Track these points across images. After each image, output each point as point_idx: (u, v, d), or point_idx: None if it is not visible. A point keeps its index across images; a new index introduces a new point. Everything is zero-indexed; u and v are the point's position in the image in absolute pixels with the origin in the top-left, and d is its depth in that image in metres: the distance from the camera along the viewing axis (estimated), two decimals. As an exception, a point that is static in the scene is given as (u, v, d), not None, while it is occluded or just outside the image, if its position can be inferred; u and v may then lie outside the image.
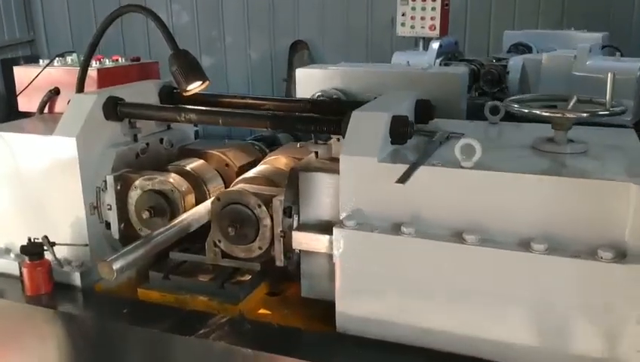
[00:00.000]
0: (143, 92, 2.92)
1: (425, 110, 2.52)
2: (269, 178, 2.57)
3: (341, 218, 2.11)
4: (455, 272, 1.96)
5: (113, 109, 2.64)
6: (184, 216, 2.47)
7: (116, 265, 2.06)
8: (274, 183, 2.55)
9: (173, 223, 2.40)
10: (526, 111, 2.21)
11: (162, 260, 2.59)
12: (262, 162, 2.81)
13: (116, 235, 2.64)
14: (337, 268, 2.12)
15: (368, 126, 2.15)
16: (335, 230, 2.08)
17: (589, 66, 4.77)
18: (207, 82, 2.70)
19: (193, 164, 2.76)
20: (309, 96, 3.92)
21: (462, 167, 1.95)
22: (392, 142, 2.18)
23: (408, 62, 4.69)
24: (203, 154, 2.92)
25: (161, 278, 2.56)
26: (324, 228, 2.21)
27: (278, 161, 2.77)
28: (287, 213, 2.29)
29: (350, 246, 2.07)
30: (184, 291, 2.49)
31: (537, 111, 2.16)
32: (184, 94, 2.67)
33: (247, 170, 2.81)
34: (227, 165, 2.90)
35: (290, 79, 8.60)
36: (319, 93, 3.77)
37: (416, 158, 2.06)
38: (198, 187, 2.69)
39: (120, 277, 2.12)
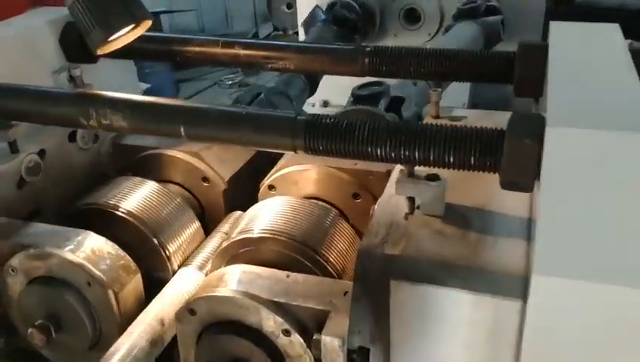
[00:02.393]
0: (23, 42, 1.46)
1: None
2: (298, 237, 1.19)
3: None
4: None
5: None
6: (123, 343, 1.11)
7: None
8: (308, 250, 1.17)
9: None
10: None
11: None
12: (272, 178, 1.41)
13: (-8, 355, 1.30)
14: None
15: (607, 179, 0.75)
16: None
17: None
18: (147, 22, 1.24)
19: (133, 200, 1.35)
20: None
21: None
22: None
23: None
24: (155, 161, 1.51)
25: None
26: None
27: (306, 178, 1.38)
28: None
29: None
30: None
31: None
32: (97, 53, 1.21)
33: (246, 185, 1.45)
34: (206, 179, 1.50)
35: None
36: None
37: None
38: (149, 254, 1.31)
39: None
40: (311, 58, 1.35)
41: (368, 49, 1.29)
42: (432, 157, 0.90)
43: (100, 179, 1.49)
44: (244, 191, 1.50)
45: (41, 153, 1.41)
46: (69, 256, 1.16)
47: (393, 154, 0.92)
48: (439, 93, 1.20)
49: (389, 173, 1.22)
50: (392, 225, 1.03)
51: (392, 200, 1.09)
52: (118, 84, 1.73)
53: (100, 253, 1.20)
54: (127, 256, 1.23)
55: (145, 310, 1.19)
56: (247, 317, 1.04)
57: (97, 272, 1.16)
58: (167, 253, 1.32)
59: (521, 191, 0.86)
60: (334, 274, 1.17)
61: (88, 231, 1.22)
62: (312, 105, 3.25)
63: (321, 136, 0.96)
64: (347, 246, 1.24)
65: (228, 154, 1.53)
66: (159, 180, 1.52)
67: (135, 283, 1.22)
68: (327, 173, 1.37)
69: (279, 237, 1.18)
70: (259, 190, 1.46)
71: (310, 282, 1.07)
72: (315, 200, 1.37)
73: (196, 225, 1.42)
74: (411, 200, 1.04)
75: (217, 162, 1.50)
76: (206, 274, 1.28)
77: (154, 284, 1.29)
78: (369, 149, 0.93)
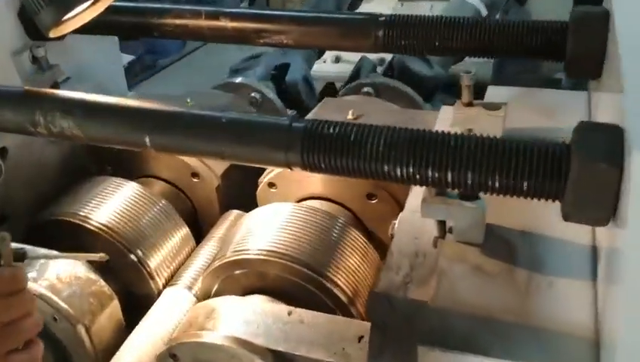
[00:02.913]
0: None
1: None
2: (301, 260, 0.99)
3: None
4: None
5: None
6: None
7: None
8: (313, 274, 0.97)
9: None
10: None
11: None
12: (272, 174, 1.20)
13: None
14: None
15: None
16: None
17: None
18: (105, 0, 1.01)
19: (108, 208, 1.15)
20: None
21: None
22: None
23: None
24: (139, 154, 1.30)
25: None
26: None
27: (311, 175, 1.17)
28: None
29: None
30: None
31: None
32: (50, 36, 0.99)
33: (242, 180, 1.25)
34: (196, 175, 1.30)
35: None
36: None
37: None
38: (128, 272, 1.12)
39: None
40: (312, 31, 1.11)
41: (383, 19, 1.05)
42: (469, 181, 0.68)
43: (79, 175, 1.29)
44: (240, 186, 1.29)
45: (3, 152, 1.21)
46: (29, 286, 0.97)
47: (418, 176, 0.70)
48: (472, 76, 0.97)
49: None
50: (417, 255, 0.83)
51: (416, 216, 0.88)
52: (93, 61, 1.50)
53: (67, 278, 1.01)
54: (101, 280, 1.04)
55: (123, 345, 1.01)
56: (234, 366, 0.85)
57: (63, 304, 0.97)
58: (149, 269, 1.13)
59: (591, 225, 0.65)
60: (344, 300, 0.97)
61: (53, 252, 1.03)
62: (324, 62, 2.99)
63: (323, 150, 0.74)
64: (359, 261, 1.03)
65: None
66: (144, 175, 1.33)
67: (111, 312, 1.03)
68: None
69: (279, 260, 0.97)
70: (258, 186, 1.26)
71: (317, 322, 0.88)
72: (322, 203, 1.16)
73: (183, 231, 1.22)
74: (440, 227, 0.82)
75: (209, 153, 1.29)
76: (195, 295, 1.10)
77: (137, 305, 1.11)
78: (385, 168, 0.71)
